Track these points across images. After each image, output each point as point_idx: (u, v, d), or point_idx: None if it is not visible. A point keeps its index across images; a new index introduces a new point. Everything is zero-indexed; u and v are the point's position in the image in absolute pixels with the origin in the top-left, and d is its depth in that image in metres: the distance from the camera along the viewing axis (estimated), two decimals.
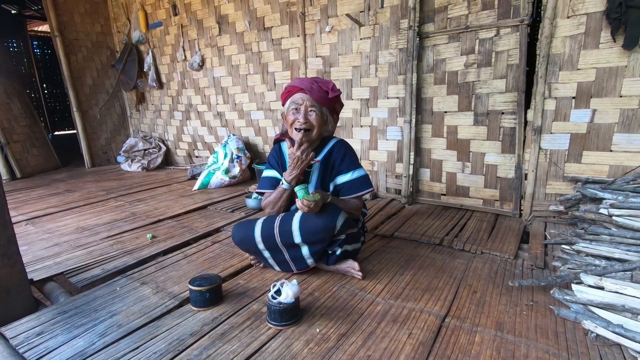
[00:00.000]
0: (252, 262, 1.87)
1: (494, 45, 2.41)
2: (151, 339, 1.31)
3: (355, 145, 3.15)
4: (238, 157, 3.58)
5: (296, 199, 1.56)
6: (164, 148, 4.78)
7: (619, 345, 1.24)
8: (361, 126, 3.10)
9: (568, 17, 2.14)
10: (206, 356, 1.21)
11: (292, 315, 1.36)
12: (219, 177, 3.50)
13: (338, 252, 1.69)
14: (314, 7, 3.11)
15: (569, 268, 1.67)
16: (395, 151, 2.96)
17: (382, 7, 2.77)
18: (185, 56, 4.19)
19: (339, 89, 1.75)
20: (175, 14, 4.14)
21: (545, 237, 2.17)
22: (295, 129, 1.71)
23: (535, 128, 2.34)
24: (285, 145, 1.90)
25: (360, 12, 2.89)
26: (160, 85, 4.64)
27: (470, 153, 2.65)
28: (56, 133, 9.26)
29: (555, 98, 2.26)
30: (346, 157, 1.77)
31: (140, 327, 1.38)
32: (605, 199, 1.91)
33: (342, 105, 1.84)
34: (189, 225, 2.51)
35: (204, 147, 4.47)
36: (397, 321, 1.40)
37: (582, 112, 2.19)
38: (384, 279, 1.73)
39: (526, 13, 2.25)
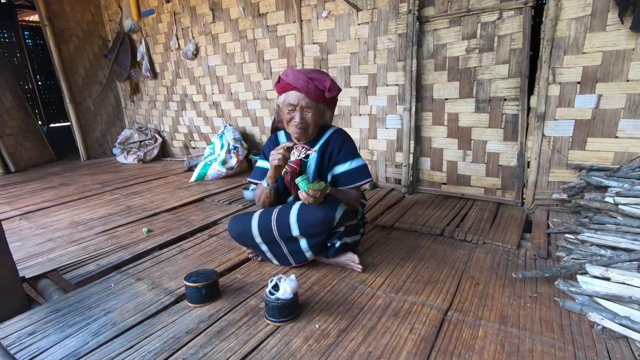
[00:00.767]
0: (249, 255, 1.83)
1: (497, 29, 2.33)
2: (146, 337, 1.28)
3: (354, 134, 3.09)
4: (235, 147, 3.52)
5: (299, 191, 1.50)
6: (160, 139, 4.71)
7: (626, 338, 1.21)
8: (360, 115, 3.03)
9: None
10: (202, 355, 1.18)
11: (290, 311, 1.32)
12: (215, 169, 3.45)
13: (337, 244, 1.65)
14: None
15: (573, 258, 1.63)
16: (395, 140, 2.90)
17: None
18: (178, 45, 4.09)
19: (335, 87, 1.64)
20: (168, 1, 4.02)
21: (548, 226, 2.13)
22: (292, 127, 1.67)
23: (538, 115, 2.28)
24: (281, 135, 1.85)
25: None
26: (155, 75, 4.54)
27: (472, 141, 2.59)
28: (52, 125, 9.16)
29: (560, 83, 2.19)
30: (344, 146, 1.71)
31: (134, 325, 1.34)
32: (610, 187, 1.87)
33: (339, 93, 1.77)
34: (185, 218, 2.47)
35: (200, 138, 4.40)
36: (398, 315, 1.36)
37: (587, 98, 2.13)
38: (384, 271, 1.70)
39: None
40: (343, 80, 3.02)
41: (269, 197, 1.71)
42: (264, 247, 1.70)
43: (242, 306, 1.44)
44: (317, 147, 1.73)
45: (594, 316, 1.29)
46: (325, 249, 1.70)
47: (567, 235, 1.93)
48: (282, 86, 1.65)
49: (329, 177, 1.73)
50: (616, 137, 2.10)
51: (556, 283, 1.50)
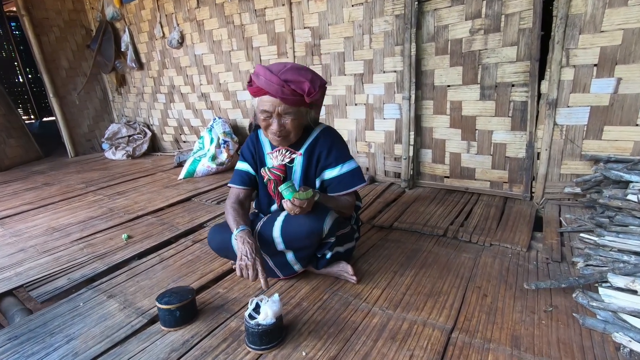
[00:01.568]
0: (233, 266, 1.67)
1: (504, 6, 2.10)
2: None
3: (350, 126, 2.89)
4: (225, 142, 3.33)
5: (283, 201, 1.31)
6: (149, 133, 4.52)
7: None
8: (355, 104, 2.82)
9: None
10: None
11: (273, 337, 1.17)
12: (205, 165, 3.27)
13: (328, 255, 1.49)
14: None
15: (591, 265, 1.46)
16: (394, 131, 2.71)
17: None
18: (163, 33, 3.85)
19: (318, 90, 1.36)
20: None
21: (561, 224, 1.96)
22: (271, 134, 1.42)
23: (549, 101, 2.07)
24: (262, 134, 1.65)
25: None
26: (141, 65, 4.32)
27: (476, 131, 2.39)
28: (45, 119, 8.95)
29: (574, 66, 1.98)
30: (333, 148, 1.50)
31: (99, 356, 1.19)
32: (632, 182, 1.68)
33: (324, 94, 1.49)
34: (170, 221, 2.31)
35: (190, 131, 4.21)
36: (395, 339, 1.20)
37: (605, 82, 1.92)
38: (381, 281, 1.54)
39: None
40: (337, 67, 2.81)
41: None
42: None
43: (221, 329, 1.29)
44: (302, 150, 1.52)
45: (619, 337, 1.13)
46: (315, 259, 1.53)
47: (582, 234, 1.76)
48: (254, 90, 1.38)
49: (318, 183, 1.54)
50: (636, 125, 1.90)
51: (574, 295, 1.33)
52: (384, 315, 1.32)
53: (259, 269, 1.28)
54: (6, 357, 1.21)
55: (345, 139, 2.87)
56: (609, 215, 1.68)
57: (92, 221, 2.38)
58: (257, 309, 1.20)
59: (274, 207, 1.57)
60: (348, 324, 1.29)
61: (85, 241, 2.07)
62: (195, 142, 3.97)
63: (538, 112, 2.14)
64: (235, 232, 1.38)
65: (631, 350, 1.10)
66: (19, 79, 9.13)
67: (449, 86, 2.41)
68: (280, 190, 1.30)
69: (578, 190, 2.09)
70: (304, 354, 1.15)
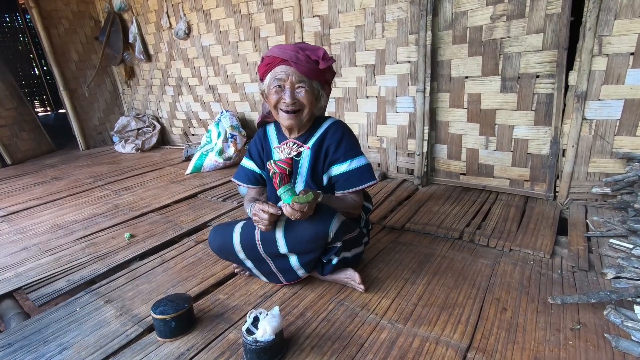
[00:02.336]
0: (235, 270, 1.59)
1: None
2: None
3: (361, 120, 2.76)
4: (232, 136, 3.25)
5: (282, 206, 1.23)
6: (158, 126, 4.48)
7: None
8: (367, 97, 2.69)
9: None
10: None
11: (272, 355, 1.08)
12: (212, 159, 3.20)
13: (334, 261, 1.39)
14: None
15: (625, 277, 1.33)
16: (407, 125, 2.57)
17: None
18: (170, 23, 3.77)
19: (331, 57, 1.36)
20: None
21: (587, 227, 1.81)
22: (282, 110, 1.36)
23: (578, 94, 1.90)
24: (270, 128, 1.56)
25: None
26: (149, 57, 4.25)
27: (496, 126, 2.24)
28: (61, 111, 9.06)
29: (607, 55, 1.80)
30: (343, 142, 1.41)
31: None
32: None
33: (334, 74, 1.46)
34: (174, 219, 2.25)
35: (199, 124, 4.14)
36: (405, 358, 1.10)
37: None
38: (391, 290, 1.43)
39: None
40: (347, 58, 2.67)
41: None
42: (249, 264, 1.45)
43: (219, 341, 1.21)
44: (310, 144, 1.43)
45: None
46: (320, 264, 1.44)
47: (612, 240, 1.62)
48: (266, 63, 1.35)
49: (325, 179, 1.45)
50: None
51: (605, 313, 1.20)
52: (393, 330, 1.22)
53: (268, 210, 1.23)
54: None
55: (356, 133, 2.76)
56: None
57: (96, 218, 2.34)
58: (256, 322, 1.12)
59: (280, 203, 1.48)
60: (354, 339, 1.19)
61: (87, 240, 2.03)
62: (203, 135, 3.91)
63: (565, 105, 1.98)
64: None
65: None
66: (34, 70, 9.24)
67: (467, 77, 2.25)
68: (279, 194, 1.20)
69: (607, 190, 1.93)
70: None
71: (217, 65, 3.57)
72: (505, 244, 1.71)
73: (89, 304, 1.46)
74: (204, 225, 2.15)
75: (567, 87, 1.95)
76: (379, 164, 2.80)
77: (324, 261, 1.42)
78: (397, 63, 2.47)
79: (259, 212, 1.26)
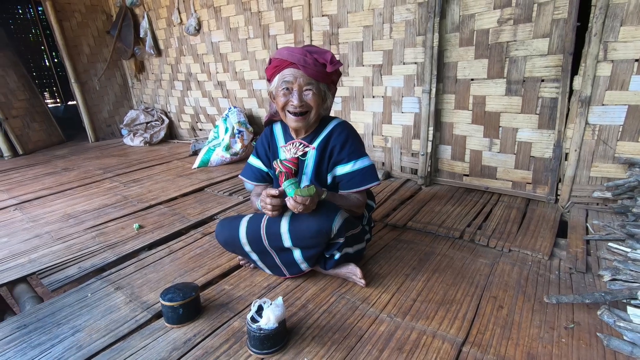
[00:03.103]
0: (241, 262, 1.65)
1: None
2: None
3: (366, 119, 2.80)
4: (239, 132, 3.30)
5: (286, 199, 1.28)
6: (166, 120, 4.55)
7: None
8: (373, 97, 2.72)
9: None
10: None
11: (274, 342, 1.13)
12: (219, 154, 3.26)
13: (337, 256, 1.43)
14: None
15: (620, 280, 1.36)
16: (412, 126, 2.60)
17: None
18: (180, 19, 3.82)
19: (338, 60, 1.40)
20: None
21: (587, 231, 1.83)
22: (289, 112, 1.40)
23: (582, 99, 1.92)
24: (277, 127, 1.61)
25: None
26: (159, 52, 4.31)
27: (500, 128, 2.26)
28: (70, 103, 9.17)
29: (612, 61, 1.82)
30: (347, 143, 1.45)
31: (101, 350, 1.19)
32: None
33: (340, 74, 1.51)
34: (181, 212, 2.30)
35: (206, 119, 4.20)
36: (403, 350, 1.15)
37: None
38: (391, 285, 1.48)
39: None
40: (355, 58, 2.70)
41: None
42: (254, 257, 1.50)
43: (224, 329, 1.26)
44: (316, 144, 1.48)
45: None
46: (323, 259, 1.48)
47: (610, 244, 1.65)
48: (274, 65, 1.39)
49: (330, 179, 1.49)
50: None
51: (599, 313, 1.24)
52: (391, 323, 1.27)
53: (269, 192, 1.30)
54: (14, 346, 1.23)
55: (361, 132, 2.80)
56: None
57: (106, 209, 2.41)
58: (260, 311, 1.17)
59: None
60: (354, 330, 1.24)
61: (97, 229, 2.10)
62: (210, 130, 3.97)
63: (569, 110, 2.00)
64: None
65: None
66: (45, 62, 9.35)
67: (472, 80, 2.28)
68: (283, 188, 1.25)
69: (609, 195, 1.95)
70: None
71: (226, 62, 3.62)
72: (504, 245, 1.75)
73: (100, 290, 1.52)
74: (211, 218, 2.21)
75: (571, 91, 1.97)
76: (383, 163, 2.84)
77: (327, 256, 1.46)
78: (403, 64, 2.50)
79: (264, 198, 1.31)
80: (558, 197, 2.17)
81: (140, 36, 4.32)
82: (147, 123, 4.53)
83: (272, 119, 1.61)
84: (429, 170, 2.57)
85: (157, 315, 1.35)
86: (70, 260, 1.76)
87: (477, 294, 1.41)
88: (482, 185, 2.43)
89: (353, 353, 1.14)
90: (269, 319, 1.11)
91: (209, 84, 3.92)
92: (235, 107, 3.50)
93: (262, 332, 1.11)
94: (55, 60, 9.20)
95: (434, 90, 2.38)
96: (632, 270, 1.35)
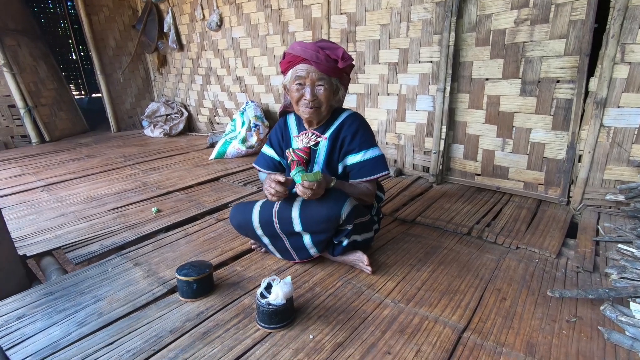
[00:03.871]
0: (252, 246, 1.71)
1: None
2: (129, 333, 1.20)
3: (380, 116, 2.84)
4: (256, 125, 3.38)
5: (296, 186, 1.34)
6: (186, 114, 4.68)
7: None
8: (388, 94, 2.76)
9: None
10: None
11: (282, 318, 1.19)
12: (235, 147, 3.35)
13: (345, 243, 1.48)
14: None
15: (626, 278, 1.36)
16: (425, 124, 2.63)
17: None
18: (203, 15, 3.94)
19: (349, 56, 1.45)
20: None
21: (598, 232, 1.83)
22: (302, 106, 1.47)
23: (598, 100, 1.92)
24: (291, 118, 1.67)
25: None
26: (181, 47, 4.45)
27: (514, 128, 2.27)
28: (94, 95, 9.48)
29: (629, 63, 1.82)
30: (358, 133, 1.50)
31: (121, 318, 1.27)
32: None
33: (352, 67, 1.55)
34: (197, 199, 2.39)
35: (224, 113, 4.30)
36: (404, 332, 1.19)
37: None
38: (397, 274, 1.52)
39: None
40: (371, 55, 2.75)
41: None
42: (265, 240, 1.56)
43: (234, 305, 1.33)
44: (328, 134, 1.53)
45: None
46: (332, 245, 1.53)
47: (620, 245, 1.64)
48: (288, 60, 1.46)
49: (340, 168, 1.55)
50: None
51: (602, 308, 1.25)
52: (395, 308, 1.31)
53: (275, 178, 1.35)
54: (41, 310, 1.32)
55: (375, 129, 2.84)
56: None
57: (126, 193, 2.52)
58: (269, 288, 1.23)
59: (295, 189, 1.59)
60: (358, 312, 1.29)
61: (118, 211, 2.20)
62: (227, 124, 4.07)
63: (584, 111, 2.00)
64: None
65: None
66: (72, 55, 9.69)
67: (487, 79, 2.30)
68: (291, 175, 1.31)
69: (622, 198, 1.94)
70: (311, 337, 1.17)
71: (246, 57, 3.72)
72: (512, 242, 1.76)
73: (120, 266, 1.61)
74: (225, 206, 2.28)
75: (587, 93, 1.97)
76: (395, 161, 2.87)
77: (335, 242, 1.51)
78: (419, 62, 2.53)
79: (269, 182, 1.37)
80: (570, 199, 2.16)
81: (164, 31, 4.46)
82: (167, 115, 4.67)
83: (287, 110, 1.67)
84: (440, 168, 2.59)
85: (172, 290, 1.43)
86: (93, 238, 1.87)
87: (481, 286, 1.44)
88: (494, 185, 2.44)
89: (357, 333, 1.19)
90: (277, 295, 1.17)
91: (228, 79, 4.03)
92: (252, 101, 3.59)
93: (270, 307, 1.17)
94: (82, 53, 9.53)
95: (448, 89, 2.40)
96: (638, 269, 1.36)
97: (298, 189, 1.31)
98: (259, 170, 1.77)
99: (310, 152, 1.54)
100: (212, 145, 3.78)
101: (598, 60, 1.89)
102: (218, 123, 4.46)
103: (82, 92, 9.98)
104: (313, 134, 1.56)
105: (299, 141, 1.59)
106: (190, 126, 4.79)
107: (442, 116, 2.47)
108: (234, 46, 3.79)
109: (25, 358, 1.10)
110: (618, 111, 1.90)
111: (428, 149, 2.66)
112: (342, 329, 1.20)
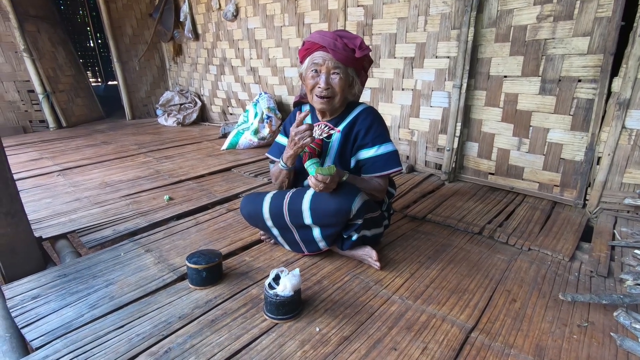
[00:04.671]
0: (262, 237, 1.72)
1: None
2: (139, 317, 1.22)
3: (394, 111, 2.81)
4: (268, 117, 3.38)
5: (308, 178, 1.34)
6: (199, 103, 4.70)
7: None
8: (403, 89, 2.73)
9: None
10: (189, 346, 1.10)
11: (289, 309, 1.20)
12: (247, 138, 3.36)
13: (354, 237, 1.48)
14: None
15: None
16: (440, 120, 2.59)
17: None
18: (219, 5, 3.93)
19: (368, 46, 1.43)
20: None
21: (614, 237, 1.79)
22: (316, 95, 1.45)
23: (620, 101, 1.86)
24: (305, 109, 1.66)
25: None
26: (197, 36, 4.46)
27: (531, 128, 2.22)
28: (110, 83, 9.61)
29: None
30: (372, 127, 1.49)
31: (131, 302, 1.30)
32: None
33: (371, 62, 1.54)
34: (209, 188, 2.41)
35: (237, 104, 4.32)
36: (411, 329, 1.19)
37: None
38: (405, 271, 1.51)
39: None
40: (387, 49, 2.71)
41: (288, 178, 1.56)
42: (275, 231, 1.57)
43: (242, 294, 1.34)
44: (341, 127, 1.52)
45: None
46: (341, 239, 1.53)
47: (637, 251, 1.60)
48: (306, 48, 1.45)
49: (353, 162, 1.54)
50: None
51: (616, 314, 1.22)
52: (402, 305, 1.30)
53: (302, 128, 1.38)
54: (55, 291, 1.36)
55: (388, 124, 2.81)
56: None
57: (139, 180, 2.55)
58: (277, 279, 1.23)
59: (307, 181, 1.59)
60: (365, 307, 1.29)
61: (131, 198, 2.24)
62: (240, 115, 4.08)
63: (605, 112, 1.94)
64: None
65: None
66: (90, 43, 9.82)
67: (505, 77, 2.24)
68: (305, 167, 1.31)
69: None
70: (317, 329, 1.17)
71: (260, 48, 3.71)
72: (524, 243, 1.73)
73: (132, 251, 1.64)
74: (236, 196, 2.30)
75: (609, 93, 1.91)
76: (407, 157, 2.84)
77: (344, 236, 1.51)
78: (436, 57, 2.49)
79: (295, 131, 1.39)
80: (586, 201, 2.11)
81: (180, 20, 4.47)
82: (181, 104, 4.70)
83: (302, 101, 1.66)
84: (453, 166, 2.55)
85: (182, 277, 1.45)
86: (106, 223, 1.90)
87: (491, 286, 1.42)
88: (508, 185, 2.40)
89: (363, 327, 1.19)
90: (285, 287, 1.17)
91: (242, 70, 4.03)
92: (265, 92, 3.58)
93: (278, 298, 1.17)
94: (99, 41, 9.64)
95: (464, 85, 2.35)
96: None
97: (311, 181, 1.31)
98: (270, 162, 1.77)
99: (323, 144, 1.54)
100: (225, 136, 3.80)
101: (623, 59, 1.83)
102: (231, 114, 4.47)
103: (99, 80, 10.13)
104: (326, 125, 1.55)
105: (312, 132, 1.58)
106: (203, 116, 4.82)
107: (457, 113, 2.43)
108: (249, 37, 3.78)
109: (39, 337, 1.13)
110: None
111: (441, 146, 2.62)
112: (349, 323, 1.20)
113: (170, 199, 2.21)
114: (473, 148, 2.51)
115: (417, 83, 2.63)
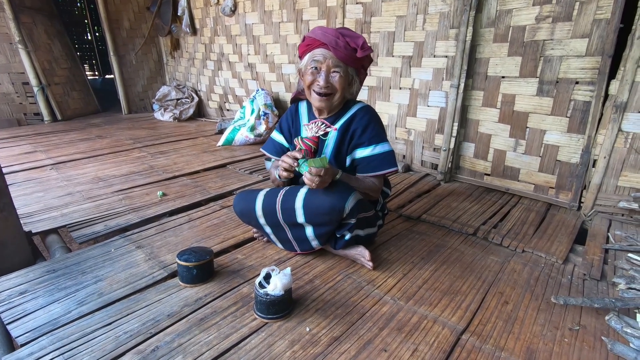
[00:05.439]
0: (255, 235, 1.71)
1: None
2: (127, 314, 1.21)
3: (391, 110, 2.79)
4: (265, 114, 3.36)
5: (303, 175, 1.32)
6: (196, 99, 4.67)
7: None
8: (400, 88, 2.71)
9: None
10: (177, 345, 1.08)
11: (279, 309, 1.19)
12: (243, 134, 3.33)
13: (347, 237, 1.47)
14: None
15: (634, 289, 1.33)
16: (437, 120, 2.58)
17: None
18: None
19: (369, 46, 1.41)
20: None
21: (608, 240, 1.79)
22: (315, 92, 1.43)
23: (617, 104, 1.86)
24: (302, 106, 1.64)
25: None
26: (194, 31, 4.42)
27: (527, 129, 2.21)
28: (107, 76, 9.54)
29: None
30: (369, 127, 1.47)
31: (120, 299, 1.28)
32: None
33: (371, 61, 1.52)
34: (203, 184, 2.39)
35: (234, 100, 4.29)
36: (402, 330, 1.18)
37: None
38: (398, 272, 1.50)
39: None
40: (385, 47, 2.69)
41: (282, 183, 1.55)
42: (268, 230, 1.56)
43: (233, 293, 1.33)
44: (338, 125, 1.51)
45: None
46: (334, 238, 1.52)
47: (630, 254, 1.60)
48: (307, 44, 1.43)
49: (348, 161, 1.52)
50: None
51: (607, 318, 1.22)
52: (394, 305, 1.29)
53: (294, 155, 1.35)
54: (44, 287, 1.34)
55: (385, 123, 2.80)
56: None
57: (133, 175, 2.53)
58: (268, 278, 1.22)
59: (302, 179, 1.57)
60: (356, 308, 1.28)
61: (124, 193, 2.21)
62: (237, 111, 4.05)
63: (602, 115, 1.93)
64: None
65: None
66: (87, 36, 9.74)
67: (503, 77, 2.23)
68: (299, 164, 1.30)
69: (635, 206, 1.89)
70: (307, 329, 1.16)
71: (258, 44, 3.68)
72: (518, 245, 1.73)
73: (122, 247, 1.62)
74: (230, 193, 2.28)
75: (606, 96, 1.90)
76: (404, 156, 2.83)
77: (338, 236, 1.50)
78: (434, 56, 2.47)
79: (285, 158, 1.36)
80: (581, 204, 2.11)
81: (178, 14, 4.43)
82: (178, 100, 4.67)
83: (299, 97, 1.65)
84: (449, 166, 2.54)
85: (172, 275, 1.43)
86: (98, 218, 1.88)
87: (484, 288, 1.42)
88: (503, 186, 2.39)
89: (354, 328, 1.18)
90: (275, 286, 1.16)
91: (239, 65, 4.00)
92: (263, 89, 3.56)
93: (268, 297, 1.16)
94: (97, 34, 9.56)
95: (462, 85, 2.34)
96: None
97: (305, 177, 1.29)
98: (266, 159, 1.76)
99: (319, 142, 1.52)
100: (221, 132, 3.78)
101: (621, 62, 1.82)
102: (228, 110, 4.45)
103: (96, 73, 10.05)
104: (323, 123, 1.53)
105: (309, 130, 1.56)
106: (200, 111, 4.79)
107: (455, 113, 2.42)
108: (247, 32, 3.75)
109: (25, 333, 1.12)
110: (638, 116, 1.83)
111: (438, 145, 2.61)
112: (340, 324, 1.19)
113: (164, 194, 2.19)
114: (469, 148, 2.50)
115: (415, 82, 2.61)
